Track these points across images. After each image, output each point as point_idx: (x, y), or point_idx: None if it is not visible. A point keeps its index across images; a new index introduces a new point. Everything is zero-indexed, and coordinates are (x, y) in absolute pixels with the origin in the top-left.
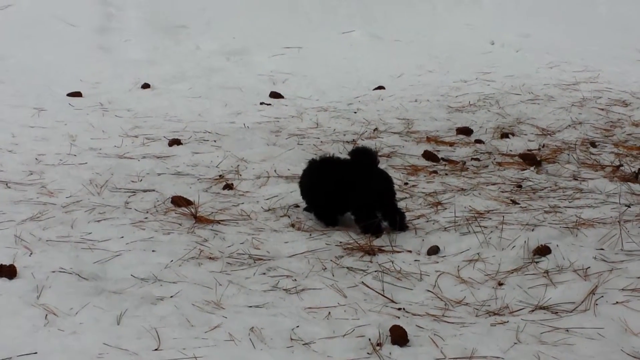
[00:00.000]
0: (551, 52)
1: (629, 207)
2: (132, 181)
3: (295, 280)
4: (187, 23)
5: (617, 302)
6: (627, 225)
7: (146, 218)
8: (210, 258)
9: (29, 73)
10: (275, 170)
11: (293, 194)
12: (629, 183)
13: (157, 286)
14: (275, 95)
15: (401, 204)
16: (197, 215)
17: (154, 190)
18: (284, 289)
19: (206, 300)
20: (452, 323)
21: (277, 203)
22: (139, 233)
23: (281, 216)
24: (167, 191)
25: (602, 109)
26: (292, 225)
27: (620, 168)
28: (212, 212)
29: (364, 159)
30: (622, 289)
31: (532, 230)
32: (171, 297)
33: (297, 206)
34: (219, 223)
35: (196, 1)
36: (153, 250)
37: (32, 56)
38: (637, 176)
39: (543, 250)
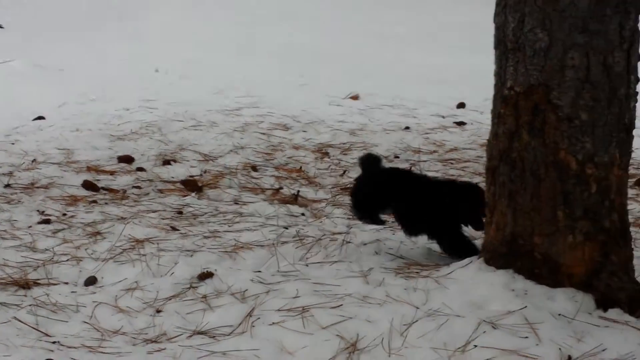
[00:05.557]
0: (215, 79)
1: (286, 228)
2: None
3: None
4: None
5: (273, 323)
6: (285, 246)
7: None
8: None
9: None
10: None
11: None
12: (288, 205)
13: None
14: None
15: (59, 235)
16: None
17: None
18: None
19: None
20: (108, 353)
21: None
22: None
23: None
24: None
25: (264, 133)
26: None
27: (280, 190)
28: None
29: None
30: (278, 310)
31: (192, 256)
32: None
33: None
34: None
35: None
36: None
37: None
38: (296, 198)
39: (202, 276)
